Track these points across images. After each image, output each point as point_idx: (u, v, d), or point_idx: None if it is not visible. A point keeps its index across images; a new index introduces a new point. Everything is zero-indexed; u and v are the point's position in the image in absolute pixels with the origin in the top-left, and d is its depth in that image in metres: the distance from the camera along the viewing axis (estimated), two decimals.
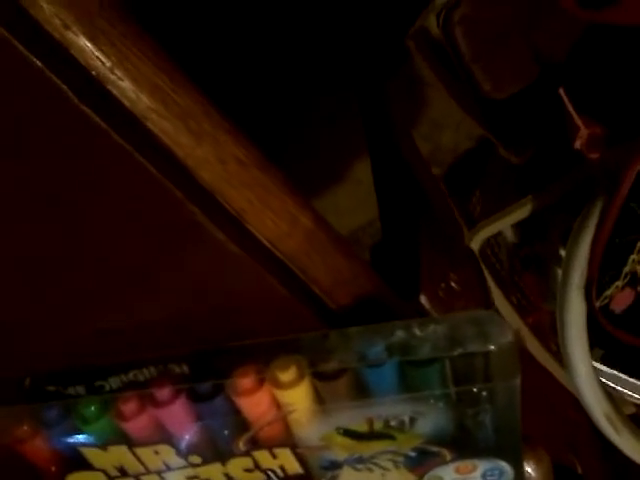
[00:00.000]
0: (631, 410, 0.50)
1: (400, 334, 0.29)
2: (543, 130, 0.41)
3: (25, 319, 0.30)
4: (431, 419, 0.31)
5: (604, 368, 0.48)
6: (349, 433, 0.31)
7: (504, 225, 0.49)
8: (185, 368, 0.31)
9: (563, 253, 0.41)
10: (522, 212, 0.45)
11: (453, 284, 0.49)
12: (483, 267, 0.50)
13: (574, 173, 0.42)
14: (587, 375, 0.44)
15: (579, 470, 0.63)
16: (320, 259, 0.29)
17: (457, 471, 0.35)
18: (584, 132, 0.34)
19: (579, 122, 0.34)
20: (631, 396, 0.49)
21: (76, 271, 0.26)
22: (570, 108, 0.34)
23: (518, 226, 0.50)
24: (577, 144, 0.35)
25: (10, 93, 0.22)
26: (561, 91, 0.35)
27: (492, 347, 0.29)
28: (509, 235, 0.53)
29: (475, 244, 0.52)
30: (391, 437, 0.31)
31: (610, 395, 0.46)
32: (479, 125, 0.44)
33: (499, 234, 0.55)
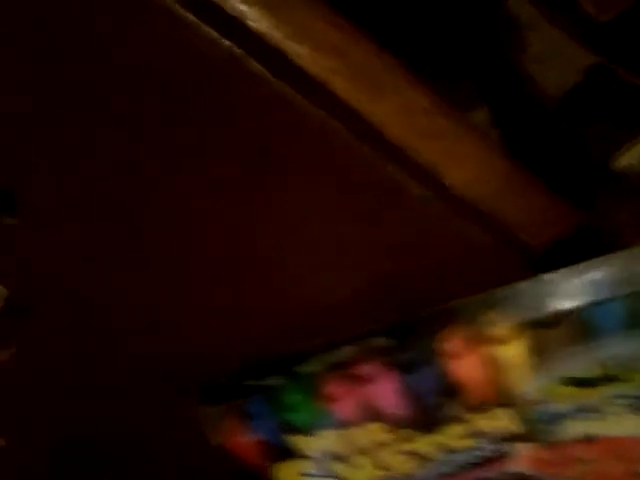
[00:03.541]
0: None
1: (623, 265, 0.26)
2: None
3: (224, 316, 0.29)
4: None
5: None
6: (575, 381, 0.29)
7: (635, 154, 0.45)
8: (387, 340, 0.30)
9: None
10: None
11: (624, 216, 0.46)
12: None
13: None
14: None
15: None
16: (517, 202, 0.26)
17: None
18: None
19: None
20: None
21: (268, 249, 0.26)
22: None
23: None
24: None
25: (197, 71, 0.21)
26: None
27: None
28: (638, 165, 0.50)
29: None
30: (623, 379, 0.29)
31: None
32: (592, 53, 0.40)
33: (628, 165, 0.51)
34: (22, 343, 0.29)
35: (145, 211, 0.24)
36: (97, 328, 0.30)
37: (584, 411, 0.31)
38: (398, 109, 0.23)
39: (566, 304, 0.26)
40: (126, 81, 0.22)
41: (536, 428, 0.32)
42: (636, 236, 0.35)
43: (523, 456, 0.33)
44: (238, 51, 0.21)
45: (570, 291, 0.26)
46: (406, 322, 0.29)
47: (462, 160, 0.25)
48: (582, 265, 0.26)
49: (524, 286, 0.27)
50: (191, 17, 0.20)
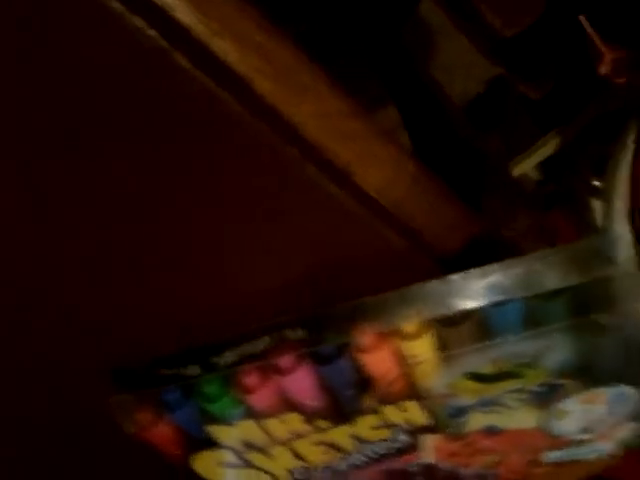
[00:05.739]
0: None
1: (520, 270, 0.28)
2: (560, 61, 0.40)
3: (136, 303, 0.30)
4: (557, 352, 0.31)
5: None
6: (477, 377, 0.31)
7: (532, 164, 0.48)
8: (301, 333, 0.31)
9: (596, 183, 0.41)
10: (548, 148, 0.45)
11: (519, 224, 0.48)
12: None
13: (598, 101, 0.41)
14: None
15: None
16: (427, 205, 0.28)
17: (583, 401, 0.34)
18: (608, 57, 0.33)
19: (603, 48, 0.33)
20: None
21: (185, 242, 0.26)
22: (592, 34, 0.33)
23: (541, 163, 0.50)
24: (602, 70, 0.34)
25: (120, 59, 0.21)
26: (582, 18, 0.34)
27: (614, 271, 0.28)
28: (533, 174, 0.52)
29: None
30: (518, 375, 0.31)
31: None
32: (494, 64, 0.42)
33: (523, 174, 0.54)
34: None
35: (67, 198, 0.24)
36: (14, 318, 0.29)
37: (486, 405, 0.33)
38: (317, 111, 0.24)
39: (469, 304, 0.28)
40: (48, 67, 0.22)
41: (443, 420, 0.33)
42: (531, 242, 0.38)
43: (432, 447, 0.35)
44: (163, 42, 0.22)
45: (473, 292, 0.28)
46: (321, 315, 0.30)
47: (374, 162, 0.26)
48: (484, 269, 0.28)
49: (431, 286, 0.28)
50: (117, 5, 0.21)
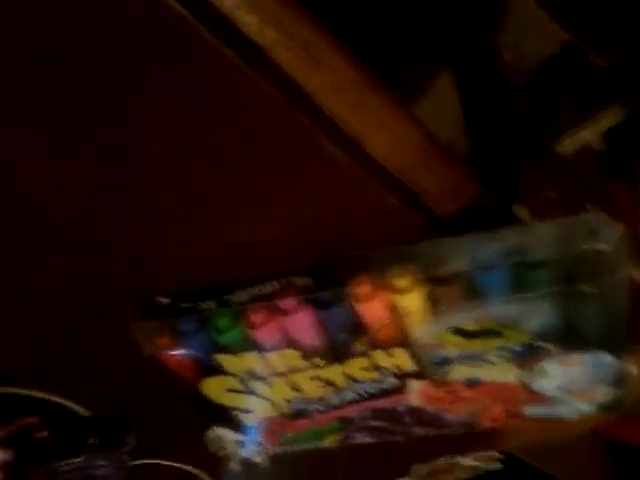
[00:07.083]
0: None
1: (512, 238, 0.31)
2: (632, 32, 0.39)
3: (162, 241, 0.33)
4: (539, 316, 0.33)
5: None
6: (461, 332, 0.33)
7: (594, 132, 0.47)
8: (307, 280, 0.34)
9: None
10: (611, 118, 0.44)
11: (551, 193, 0.49)
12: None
13: None
14: None
15: None
16: (429, 170, 0.30)
17: (562, 363, 0.37)
18: None
19: None
20: None
21: (208, 193, 0.29)
22: None
23: (605, 133, 0.49)
24: None
25: (152, 33, 0.24)
26: None
27: (602, 246, 0.30)
28: (596, 143, 0.52)
29: (564, 152, 0.51)
30: (500, 334, 0.34)
31: None
32: (565, 30, 0.42)
33: (586, 142, 0.53)
34: None
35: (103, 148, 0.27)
36: (33, 245, 0.32)
37: (469, 358, 0.35)
38: (330, 81, 0.26)
39: (460, 266, 0.31)
40: (88, 40, 0.24)
41: (428, 368, 0.37)
42: (559, 211, 0.39)
43: (417, 391, 0.39)
44: (190, 17, 0.24)
45: (465, 255, 0.31)
46: (324, 265, 0.33)
47: (383, 131, 0.28)
48: (476, 235, 0.30)
49: (426, 246, 0.31)
50: None
